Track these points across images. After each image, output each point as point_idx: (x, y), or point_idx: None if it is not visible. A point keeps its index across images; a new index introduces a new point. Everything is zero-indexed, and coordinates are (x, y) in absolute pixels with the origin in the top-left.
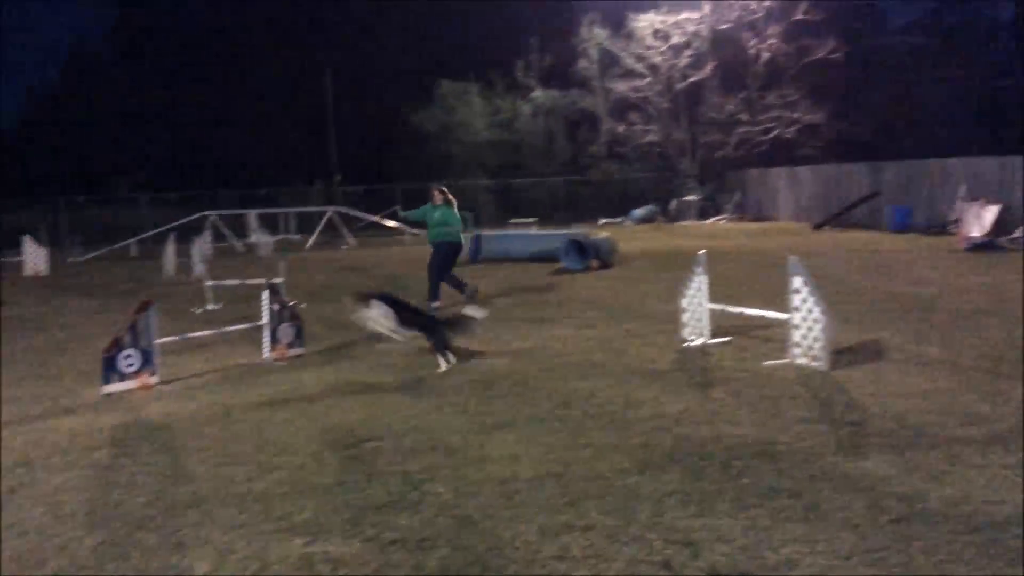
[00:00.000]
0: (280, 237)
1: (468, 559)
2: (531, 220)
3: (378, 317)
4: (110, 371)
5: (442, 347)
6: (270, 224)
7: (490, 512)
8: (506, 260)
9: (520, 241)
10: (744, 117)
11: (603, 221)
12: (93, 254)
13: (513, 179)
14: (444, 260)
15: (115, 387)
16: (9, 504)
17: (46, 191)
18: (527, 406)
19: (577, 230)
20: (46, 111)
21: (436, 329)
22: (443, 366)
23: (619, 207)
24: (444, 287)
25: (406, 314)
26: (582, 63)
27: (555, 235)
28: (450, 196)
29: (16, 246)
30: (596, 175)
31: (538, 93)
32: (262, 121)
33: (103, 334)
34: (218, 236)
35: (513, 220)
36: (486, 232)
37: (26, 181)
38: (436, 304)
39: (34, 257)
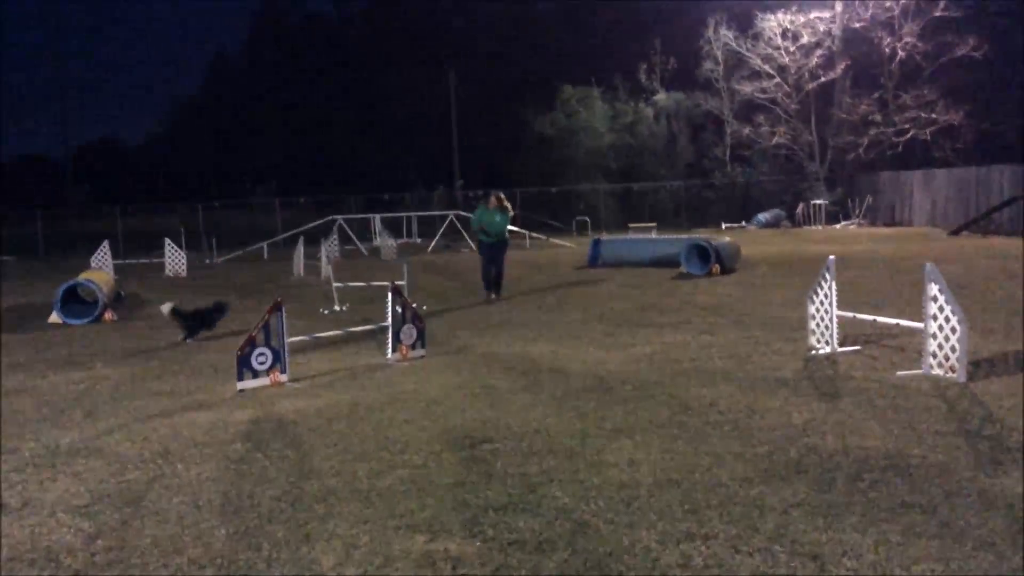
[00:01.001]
0: (403, 240)
1: (587, 563)
2: (651, 225)
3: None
4: (244, 368)
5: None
6: (394, 228)
7: (609, 517)
8: (625, 265)
9: (639, 246)
10: (877, 118)
11: (726, 226)
12: (228, 256)
13: (634, 183)
14: (487, 257)
15: (248, 384)
16: (150, 493)
17: (185, 196)
18: (646, 412)
19: (698, 235)
20: (187, 120)
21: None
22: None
23: (743, 211)
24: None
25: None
26: (707, 65)
27: (675, 239)
28: (506, 203)
29: (158, 248)
30: (719, 179)
31: (661, 96)
32: (387, 127)
33: (238, 333)
34: (344, 239)
35: (632, 225)
36: (605, 237)
37: (167, 186)
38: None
39: (174, 259)
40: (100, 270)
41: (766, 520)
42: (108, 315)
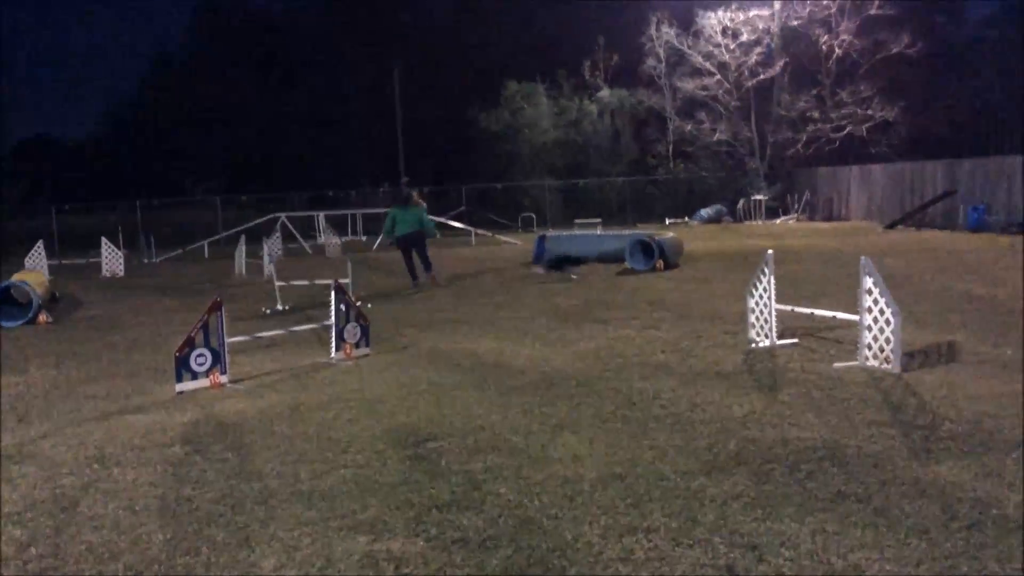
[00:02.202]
0: (348, 238)
1: (531, 559)
2: (596, 220)
3: None
4: (182, 370)
5: None
6: (339, 225)
7: (553, 513)
8: (571, 261)
9: (585, 242)
10: (815, 115)
11: (669, 221)
12: (168, 255)
13: (579, 179)
14: (404, 249)
15: (187, 385)
16: (85, 498)
17: (124, 194)
18: (590, 407)
19: (642, 230)
20: (126, 117)
21: None
22: None
23: (686, 207)
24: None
25: None
26: (649, 62)
27: (620, 235)
28: (418, 200)
29: (95, 248)
30: (663, 175)
31: (605, 93)
32: (332, 124)
33: (176, 333)
34: (288, 237)
35: (578, 220)
36: (551, 233)
37: (103, 185)
38: (417, 283)
39: (111, 259)
40: (34, 271)
41: (706, 512)
42: (42, 317)
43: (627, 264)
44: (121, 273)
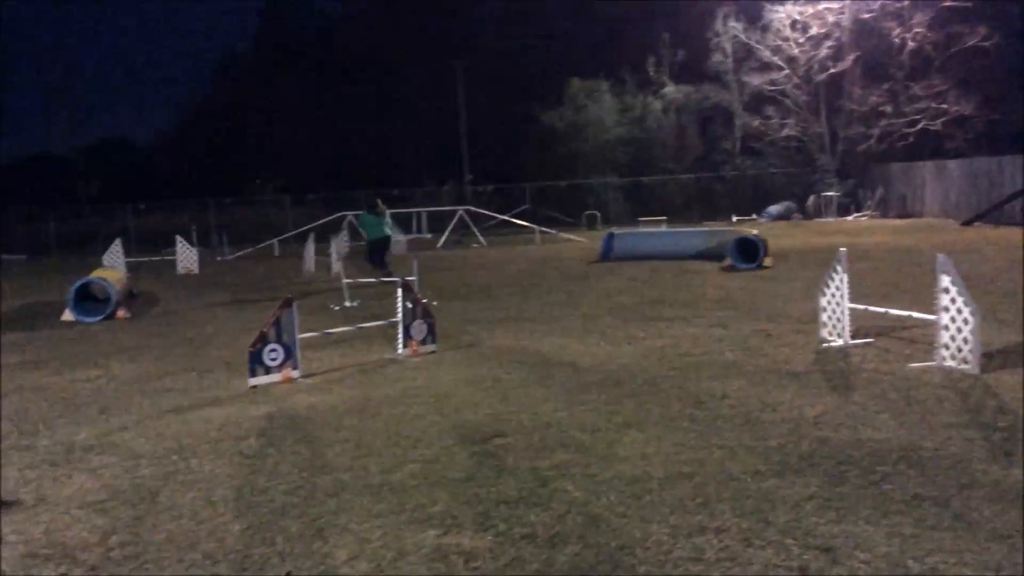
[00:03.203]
0: (413, 236)
1: (599, 557)
2: (661, 219)
3: None
4: (256, 365)
5: None
6: (403, 224)
7: (620, 511)
8: (638, 258)
9: (652, 240)
10: (888, 109)
11: (736, 218)
12: (239, 253)
13: (643, 177)
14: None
15: (260, 380)
16: (164, 488)
17: (196, 193)
18: (657, 405)
19: (707, 228)
20: (197, 118)
21: None
22: None
23: (753, 204)
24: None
25: None
26: (716, 57)
27: (688, 233)
28: (381, 208)
29: (170, 246)
30: (729, 171)
31: (670, 89)
32: (396, 123)
33: (249, 329)
34: (354, 235)
35: (642, 219)
36: (618, 231)
37: (176, 184)
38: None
39: (186, 256)
40: (113, 268)
41: (778, 513)
42: (121, 313)
43: (728, 262)
44: (196, 270)
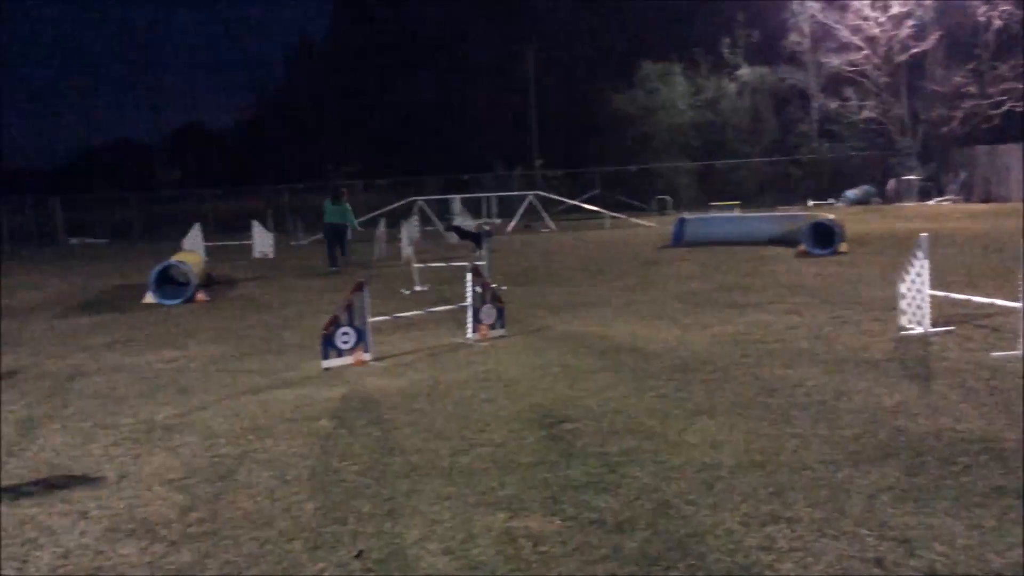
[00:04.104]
0: (482, 221)
1: (668, 544)
2: (733, 203)
3: None
4: (328, 347)
5: None
6: (473, 208)
7: (690, 498)
8: (709, 244)
9: (725, 225)
10: (972, 90)
11: (813, 203)
12: (313, 238)
13: (715, 161)
14: (330, 238)
15: (333, 362)
16: (240, 467)
17: (270, 179)
18: (728, 392)
19: (783, 213)
20: (271, 104)
21: None
22: None
23: (830, 188)
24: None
25: None
26: (792, 37)
27: (761, 218)
28: (345, 196)
29: (246, 230)
30: (805, 155)
31: (744, 71)
32: (466, 108)
33: (321, 312)
34: (424, 220)
35: (714, 203)
36: (689, 216)
37: (250, 170)
38: (334, 269)
39: (262, 240)
40: (192, 251)
41: (853, 503)
42: (200, 296)
43: (802, 248)
44: (271, 254)
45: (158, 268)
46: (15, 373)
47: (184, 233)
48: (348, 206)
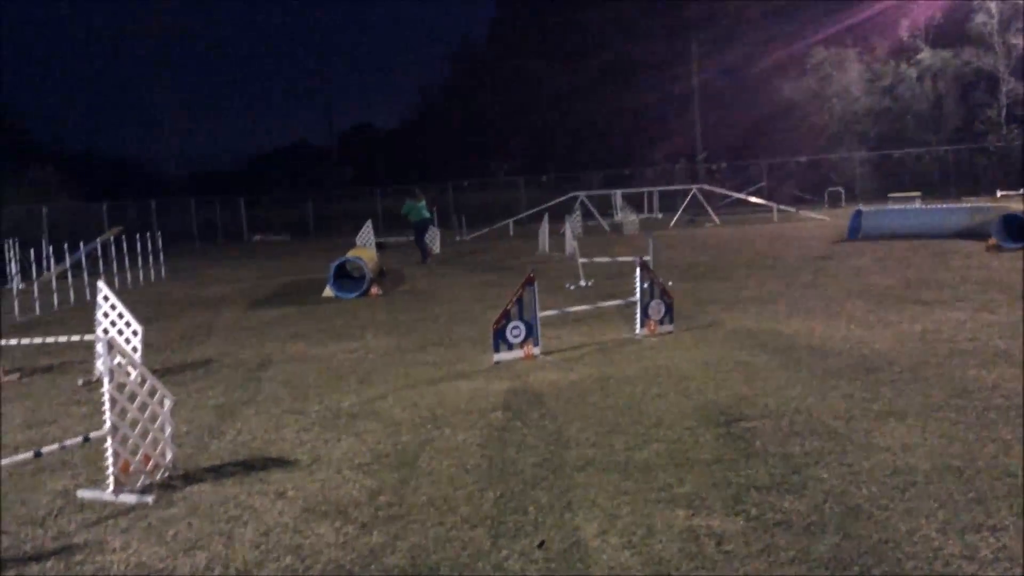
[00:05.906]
0: (644, 215)
1: (860, 549)
2: (914, 194)
3: None
4: (499, 341)
5: None
6: (634, 203)
7: (882, 503)
8: (889, 238)
9: (906, 217)
10: None
11: (1001, 194)
12: (476, 234)
13: (893, 150)
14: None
15: (503, 356)
16: (422, 455)
17: (435, 177)
18: (918, 394)
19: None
20: (435, 104)
21: None
22: None
23: (1021, 178)
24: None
25: None
26: (978, 18)
27: (946, 209)
28: (420, 196)
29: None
30: (993, 142)
31: (925, 54)
32: (628, 101)
33: (489, 307)
34: (586, 215)
35: (893, 194)
36: (866, 208)
37: (417, 168)
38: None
39: (429, 237)
40: (365, 247)
41: None
42: (374, 290)
43: (996, 241)
44: (437, 250)
45: (335, 263)
46: (210, 362)
47: (356, 230)
48: (423, 204)
